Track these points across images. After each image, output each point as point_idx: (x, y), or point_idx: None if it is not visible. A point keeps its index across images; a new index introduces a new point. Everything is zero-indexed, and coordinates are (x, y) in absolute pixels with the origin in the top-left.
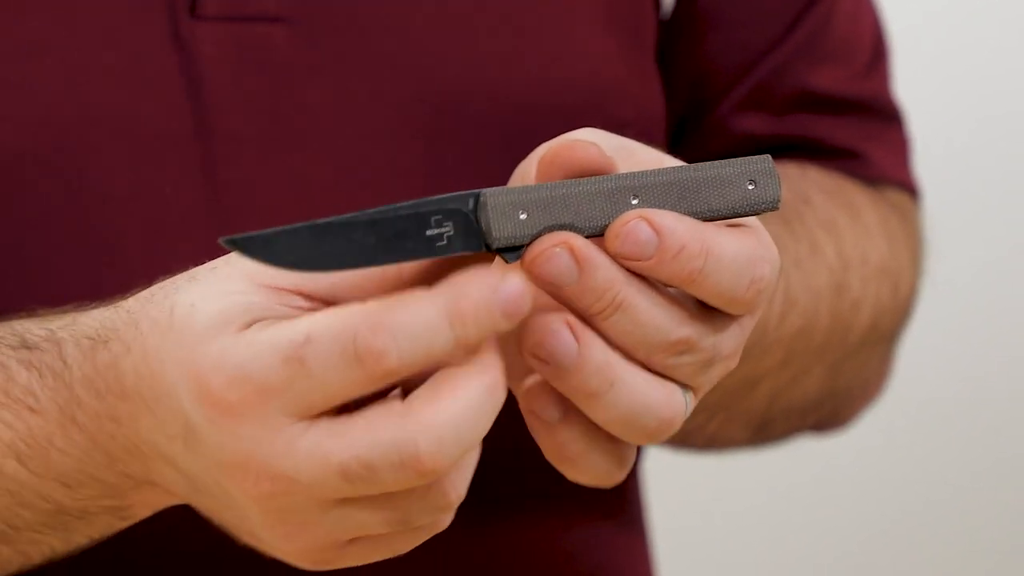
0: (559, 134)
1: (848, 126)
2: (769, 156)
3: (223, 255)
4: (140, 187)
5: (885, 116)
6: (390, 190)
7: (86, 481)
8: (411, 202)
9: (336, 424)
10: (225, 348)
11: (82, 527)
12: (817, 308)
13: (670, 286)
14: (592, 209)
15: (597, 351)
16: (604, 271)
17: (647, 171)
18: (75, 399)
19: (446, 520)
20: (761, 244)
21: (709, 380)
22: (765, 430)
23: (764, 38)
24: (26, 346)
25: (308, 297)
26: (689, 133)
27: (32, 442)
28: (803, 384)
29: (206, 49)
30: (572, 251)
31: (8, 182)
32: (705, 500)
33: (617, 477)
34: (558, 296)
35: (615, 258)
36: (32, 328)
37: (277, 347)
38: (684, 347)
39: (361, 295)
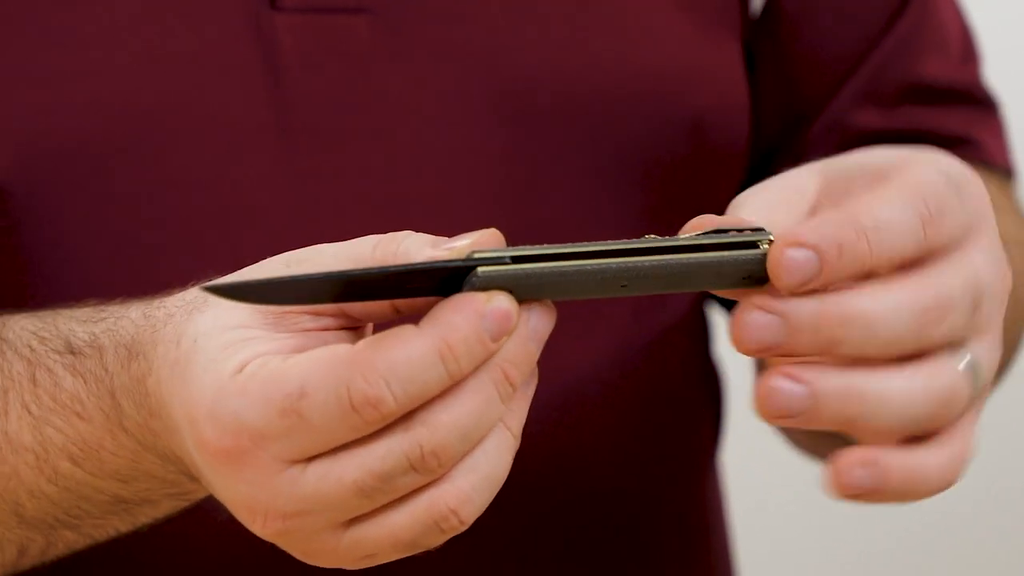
0: (637, 121)
1: (957, 114)
2: (767, 249)
3: (299, 247)
4: (219, 177)
5: (985, 102)
6: (469, 180)
7: (141, 477)
8: (402, 265)
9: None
10: (219, 394)
11: (146, 510)
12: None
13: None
14: (576, 291)
15: (827, 380)
16: (803, 304)
17: (642, 255)
18: (118, 407)
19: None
20: (908, 184)
21: (992, 316)
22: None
23: (866, 33)
24: (71, 351)
25: (316, 314)
26: (797, 133)
27: (84, 446)
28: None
29: (286, 40)
30: (763, 308)
31: (86, 169)
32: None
33: (956, 476)
34: (785, 353)
35: (788, 293)
36: (77, 330)
37: (272, 399)
38: (937, 313)
39: (369, 308)
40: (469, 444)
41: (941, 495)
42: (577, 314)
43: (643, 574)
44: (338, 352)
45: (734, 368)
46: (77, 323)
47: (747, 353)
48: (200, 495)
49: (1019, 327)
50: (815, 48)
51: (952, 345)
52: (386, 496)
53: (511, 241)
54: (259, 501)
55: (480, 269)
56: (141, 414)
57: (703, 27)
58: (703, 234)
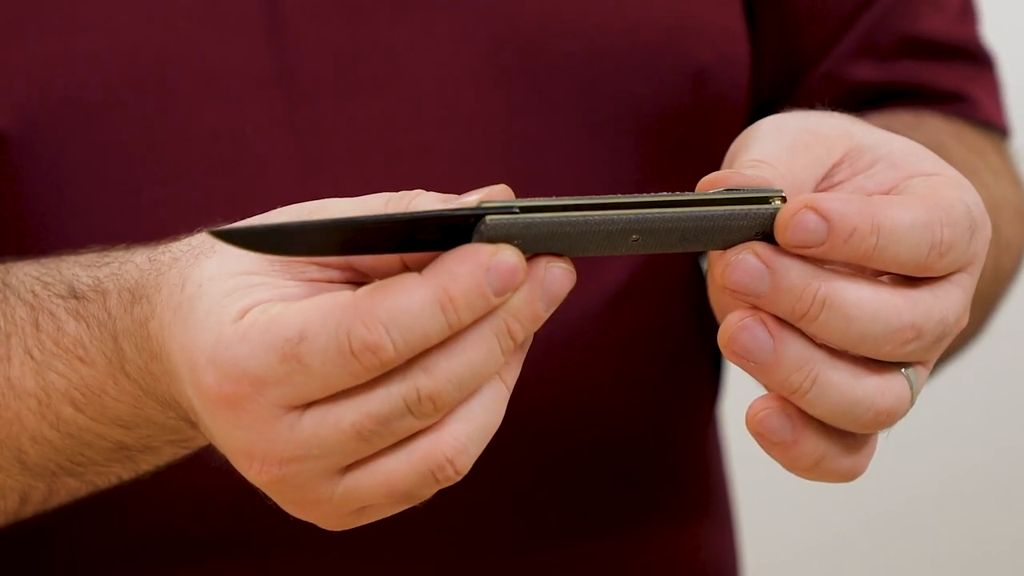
0: (638, 74)
1: (953, 70)
2: (781, 203)
3: (302, 201)
4: (220, 128)
5: (982, 59)
6: (469, 131)
7: (143, 423)
8: (411, 214)
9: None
10: (220, 340)
11: (147, 457)
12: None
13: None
14: (587, 244)
15: (794, 348)
16: (796, 269)
17: (653, 208)
18: (120, 351)
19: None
20: (937, 207)
21: (940, 350)
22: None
23: None
24: (74, 295)
25: (323, 266)
26: (793, 85)
27: (86, 390)
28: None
29: None
30: (758, 256)
31: (88, 119)
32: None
33: (860, 469)
34: (760, 306)
35: (786, 249)
36: (80, 275)
37: (272, 345)
38: (912, 335)
39: (376, 262)
40: (466, 392)
41: (940, 495)
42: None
43: (641, 518)
44: (339, 298)
45: None
46: (81, 268)
47: (728, 290)
48: (201, 443)
49: (996, 296)
50: (814, 3)
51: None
52: (383, 440)
53: (511, 192)
54: (257, 446)
55: (489, 217)
56: (143, 357)
57: None
58: (716, 192)
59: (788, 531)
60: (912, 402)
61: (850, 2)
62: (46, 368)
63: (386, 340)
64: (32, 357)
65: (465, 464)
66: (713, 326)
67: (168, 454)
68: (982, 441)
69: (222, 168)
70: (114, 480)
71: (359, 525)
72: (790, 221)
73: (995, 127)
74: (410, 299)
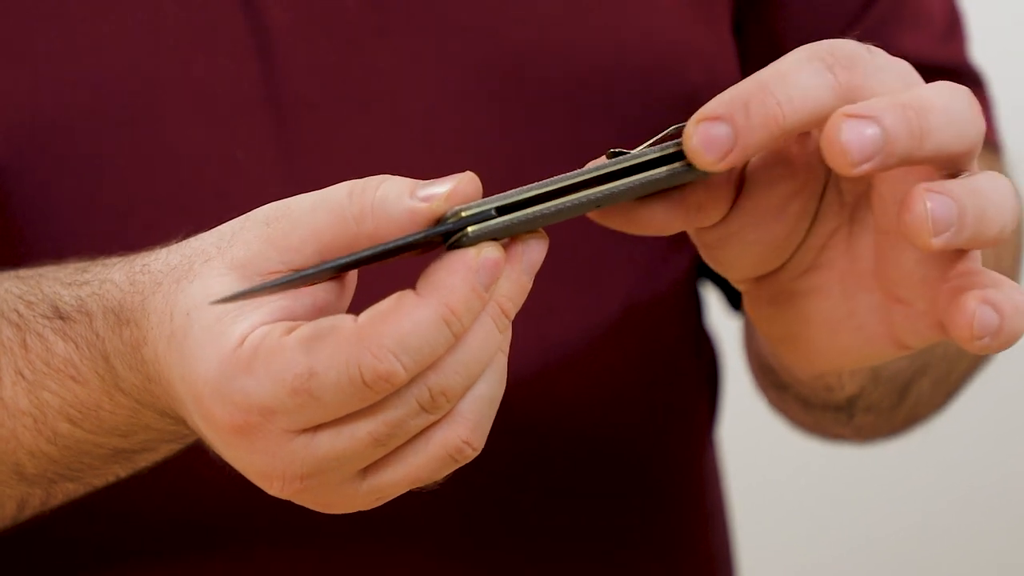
0: (629, 97)
1: None
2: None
3: None
4: (210, 150)
5: (968, 77)
6: (457, 153)
7: (140, 430)
8: (395, 242)
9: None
10: (224, 372)
11: (145, 456)
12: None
13: None
14: (557, 221)
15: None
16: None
17: (617, 180)
18: (112, 370)
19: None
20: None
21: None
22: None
23: (848, 10)
24: (60, 316)
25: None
26: None
27: (81, 407)
28: None
29: (276, 14)
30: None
31: (77, 144)
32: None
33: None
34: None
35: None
36: (62, 294)
37: (281, 380)
38: None
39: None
40: (473, 378)
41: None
42: (579, 275)
43: (637, 541)
44: (343, 330)
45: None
46: (61, 286)
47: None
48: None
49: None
50: (799, 27)
51: None
52: (399, 440)
53: (478, 181)
54: (275, 468)
55: (470, 229)
56: (138, 378)
57: (695, 3)
58: (668, 146)
59: (785, 555)
60: None
61: (835, 24)
62: (39, 387)
63: (397, 366)
64: (23, 377)
65: (480, 439)
66: (708, 350)
67: (165, 451)
68: (981, 451)
69: (212, 189)
70: (111, 479)
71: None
72: (694, 146)
73: (989, 144)
74: (414, 321)
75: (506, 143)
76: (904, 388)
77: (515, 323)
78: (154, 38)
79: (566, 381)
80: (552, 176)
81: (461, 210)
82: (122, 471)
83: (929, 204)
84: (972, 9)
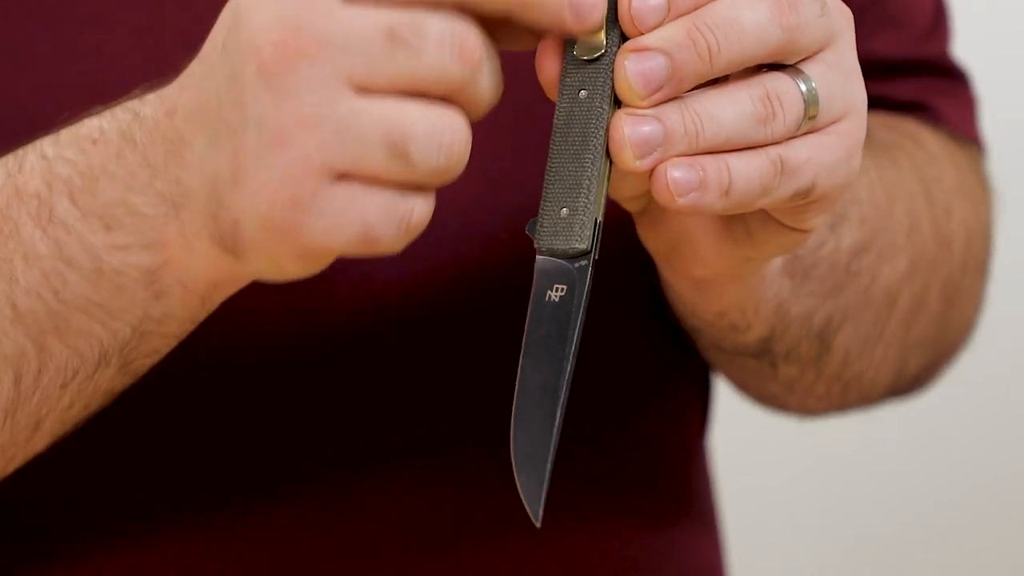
0: None
1: (911, 83)
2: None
3: None
4: None
5: (949, 74)
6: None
7: (123, 217)
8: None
9: None
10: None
11: (122, 325)
12: (917, 208)
13: None
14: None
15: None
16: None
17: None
18: (137, 118)
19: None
20: None
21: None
22: (903, 371)
23: None
24: (91, 140)
25: None
26: None
27: (87, 172)
28: (928, 306)
29: None
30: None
31: None
32: (779, 501)
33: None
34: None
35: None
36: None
37: (377, 23)
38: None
39: None
40: None
41: (940, 493)
42: None
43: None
44: None
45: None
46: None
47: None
48: (166, 279)
49: (956, 277)
50: None
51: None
52: (408, 52)
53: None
54: (293, 11)
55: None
56: (160, 110)
57: None
58: None
59: (776, 559)
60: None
61: None
62: (56, 161)
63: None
64: (44, 156)
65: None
66: (699, 358)
67: (141, 310)
68: (976, 453)
69: None
70: (96, 352)
71: (320, 262)
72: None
73: (963, 137)
74: None
75: (502, 153)
76: (821, 334)
77: (493, 330)
78: (155, 41)
79: None
80: None
81: None
82: (105, 337)
83: (627, 130)
84: (972, 9)
